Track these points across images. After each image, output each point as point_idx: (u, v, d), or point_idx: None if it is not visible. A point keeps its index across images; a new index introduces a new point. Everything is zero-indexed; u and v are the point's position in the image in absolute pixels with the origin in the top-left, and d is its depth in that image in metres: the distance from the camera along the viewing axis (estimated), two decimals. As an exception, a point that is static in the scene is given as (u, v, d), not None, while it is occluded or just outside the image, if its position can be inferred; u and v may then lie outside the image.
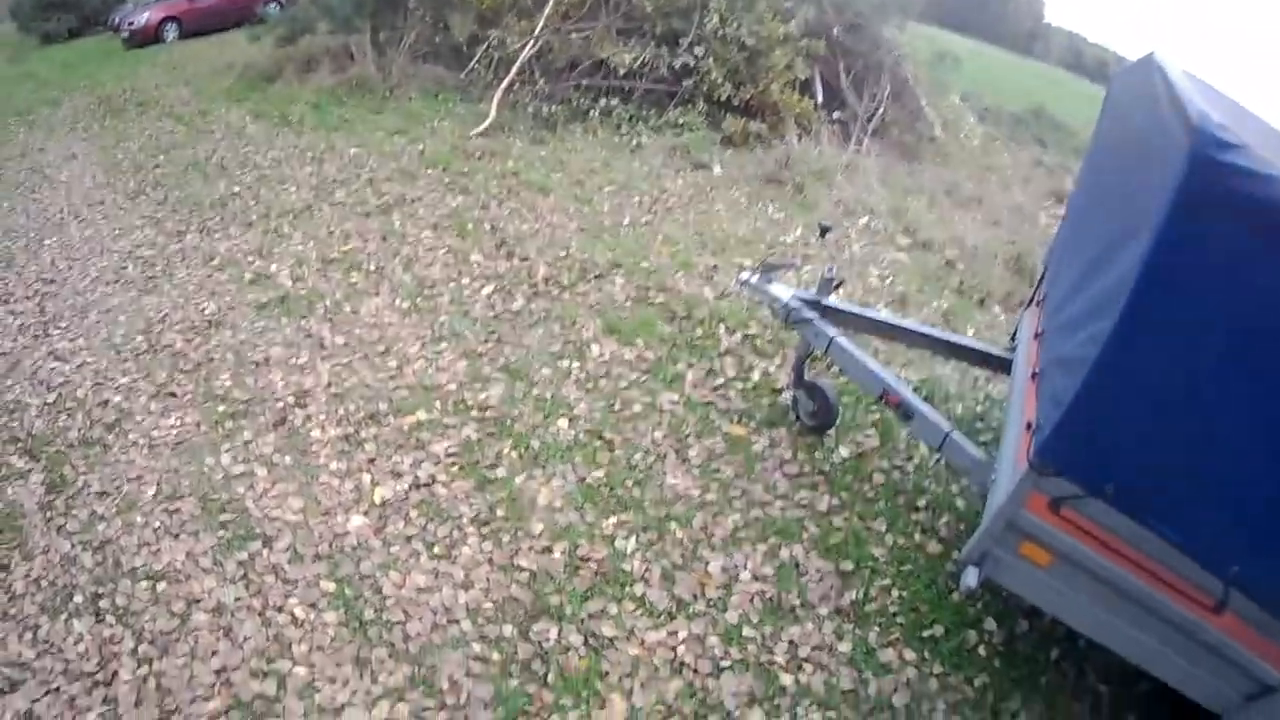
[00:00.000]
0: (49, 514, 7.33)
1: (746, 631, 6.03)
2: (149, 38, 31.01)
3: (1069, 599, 4.96)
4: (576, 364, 8.80)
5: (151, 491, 7.39)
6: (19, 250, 13.08)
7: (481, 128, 16.15)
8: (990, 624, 6.10)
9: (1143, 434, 4.29)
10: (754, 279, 7.90)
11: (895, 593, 6.37)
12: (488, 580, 6.36)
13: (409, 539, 6.73)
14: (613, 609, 6.14)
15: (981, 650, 5.96)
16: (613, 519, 6.88)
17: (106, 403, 8.72)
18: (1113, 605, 4.79)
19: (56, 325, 10.53)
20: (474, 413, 8.08)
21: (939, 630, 6.08)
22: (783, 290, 7.76)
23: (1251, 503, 4.15)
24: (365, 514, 6.97)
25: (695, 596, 6.25)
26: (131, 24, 31.57)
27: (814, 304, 7.65)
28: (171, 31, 31.55)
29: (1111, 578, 4.70)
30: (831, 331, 7.32)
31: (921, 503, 7.23)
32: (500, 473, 7.34)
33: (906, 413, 6.67)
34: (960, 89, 23.09)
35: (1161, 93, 4.94)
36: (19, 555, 6.92)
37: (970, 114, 22.02)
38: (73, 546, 6.94)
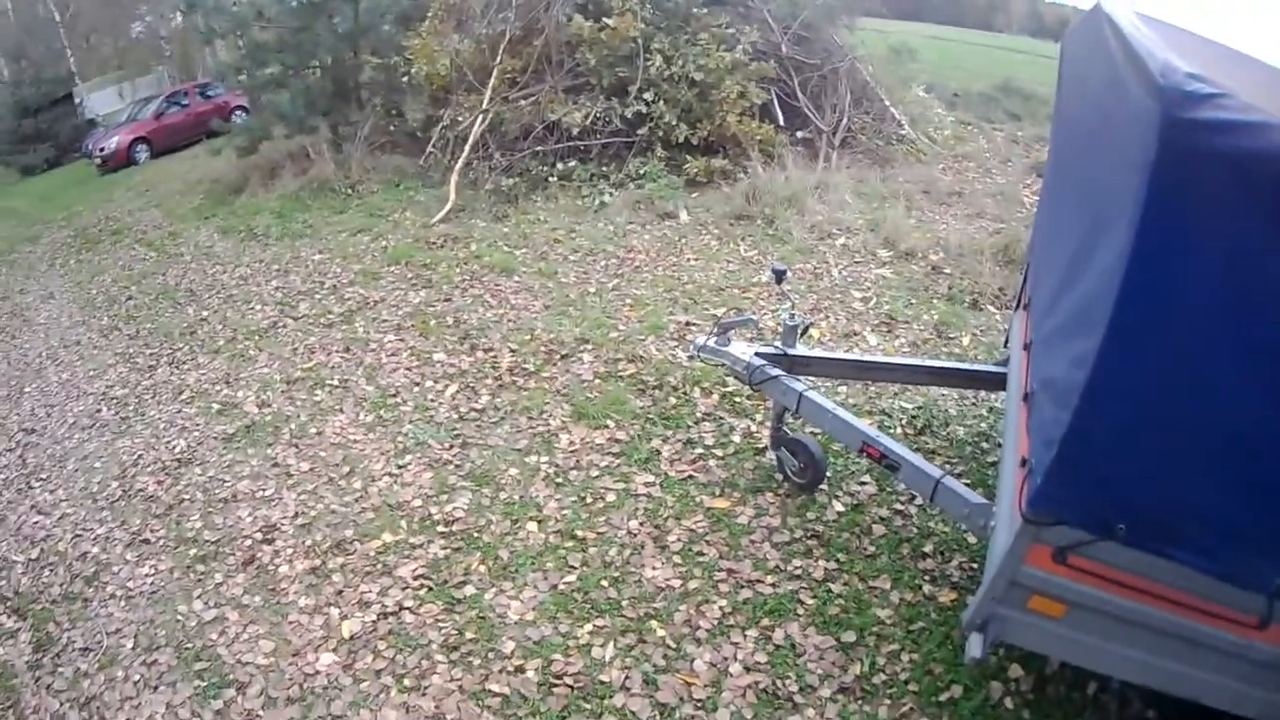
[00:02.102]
0: (37, 673, 7.19)
1: (740, 732, 5.63)
2: (121, 161, 31.32)
3: (1093, 647, 4.48)
4: (545, 458, 8.47)
5: (130, 644, 7.20)
6: (0, 400, 12.96)
7: (441, 214, 15.89)
8: (1015, 670, 5.67)
9: (1152, 461, 3.76)
10: (711, 342, 7.55)
11: (905, 657, 5.97)
12: (459, 710, 6.00)
13: (378, 673, 6.39)
14: (592, 727, 5.78)
15: (1009, 703, 5.54)
16: (588, 626, 6.50)
17: (85, 555, 8.54)
18: (1143, 644, 4.32)
19: (38, 477, 10.37)
20: (440, 528, 7.75)
21: (957, 691, 5.67)
22: (742, 349, 7.41)
23: None
24: (334, 650, 6.65)
25: (681, 700, 5.85)
26: (103, 149, 31.97)
27: (779, 357, 7.28)
28: (143, 153, 31.80)
29: (1137, 617, 4.22)
30: (799, 386, 6.96)
31: (928, 548, 6.87)
32: (469, 590, 7.00)
33: (891, 464, 6.26)
34: (924, 80, 22.84)
35: (1115, 48, 4.42)
36: (12, 716, 6.81)
37: (938, 104, 21.64)
38: (61, 705, 6.81)
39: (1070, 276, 4.51)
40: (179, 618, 7.34)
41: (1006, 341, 7.49)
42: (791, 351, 7.37)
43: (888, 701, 5.68)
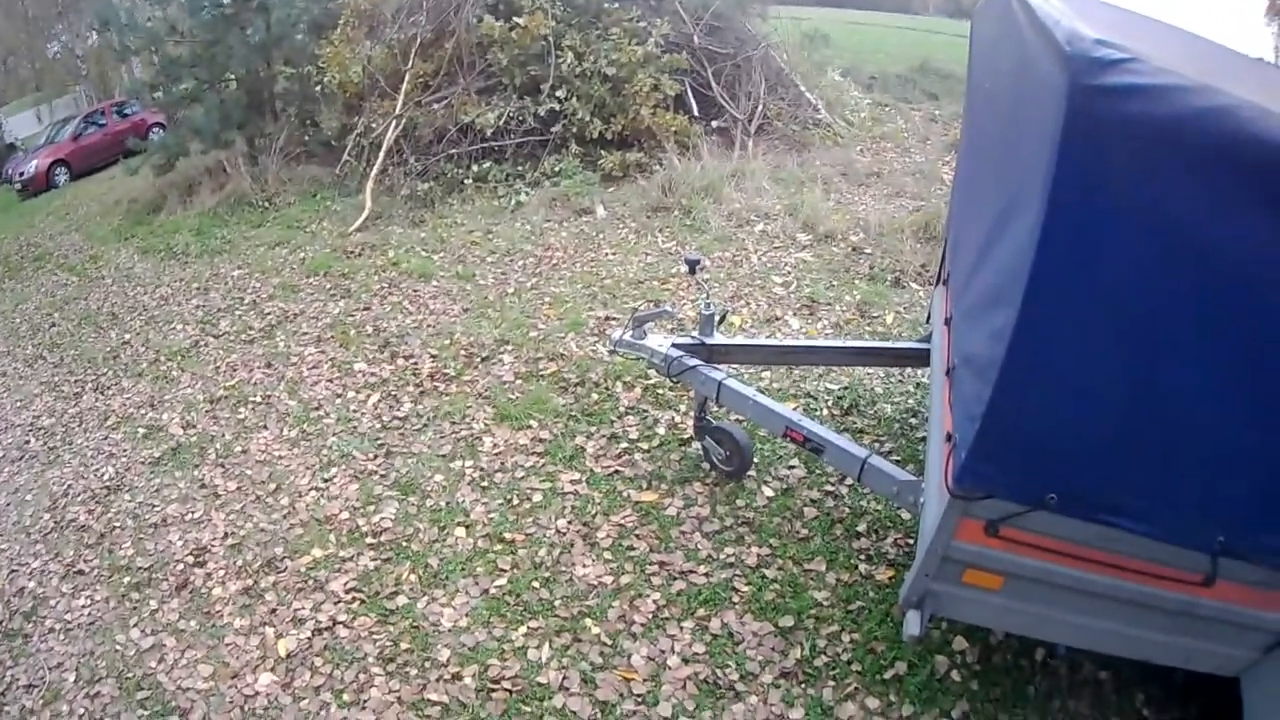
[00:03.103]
0: (-19, 713, 7.13)
1: (683, 724, 5.65)
2: (41, 185, 30.79)
3: (1035, 616, 4.50)
4: (469, 463, 8.44)
5: (72, 678, 7.19)
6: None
7: (358, 223, 15.79)
8: (960, 643, 5.72)
9: (1078, 429, 3.80)
10: (627, 336, 7.56)
11: (846, 638, 6.00)
12: (399, 721, 6.00)
13: (317, 690, 6.38)
14: (533, 729, 5.77)
15: (955, 675, 5.58)
16: (522, 629, 6.50)
17: (23, 590, 8.50)
18: (1086, 609, 4.34)
19: (-30, 514, 10.24)
20: (369, 540, 7.73)
21: (902, 667, 5.71)
22: (660, 341, 7.42)
23: (1224, 463, 3.69)
24: (273, 670, 6.65)
25: (621, 696, 5.86)
26: (23, 174, 31.52)
27: (697, 347, 7.30)
28: (62, 175, 31.32)
29: (1078, 584, 4.23)
30: (718, 375, 6.97)
31: (862, 527, 6.89)
32: (401, 601, 6.99)
33: (815, 447, 6.29)
34: (841, 65, 22.79)
35: (1023, 19, 4.43)
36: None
37: (854, 87, 21.65)
38: (9, 746, 6.78)
39: (986, 250, 4.54)
40: (118, 647, 7.32)
41: (929, 318, 7.52)
42: (709, 341, 7.39)
43: (831, 683, 5.71)
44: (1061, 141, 3.34)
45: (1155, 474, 3.79)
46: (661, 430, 8.38)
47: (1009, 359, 3.71)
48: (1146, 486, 3.81)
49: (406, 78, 17.58)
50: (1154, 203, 3.37)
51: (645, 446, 8.20)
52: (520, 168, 16.64)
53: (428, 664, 6.37)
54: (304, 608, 7.15)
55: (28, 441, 11.62)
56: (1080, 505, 3.94)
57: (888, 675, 5.69)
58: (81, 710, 6.83)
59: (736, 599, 6.45)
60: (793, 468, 7.63)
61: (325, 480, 8.70)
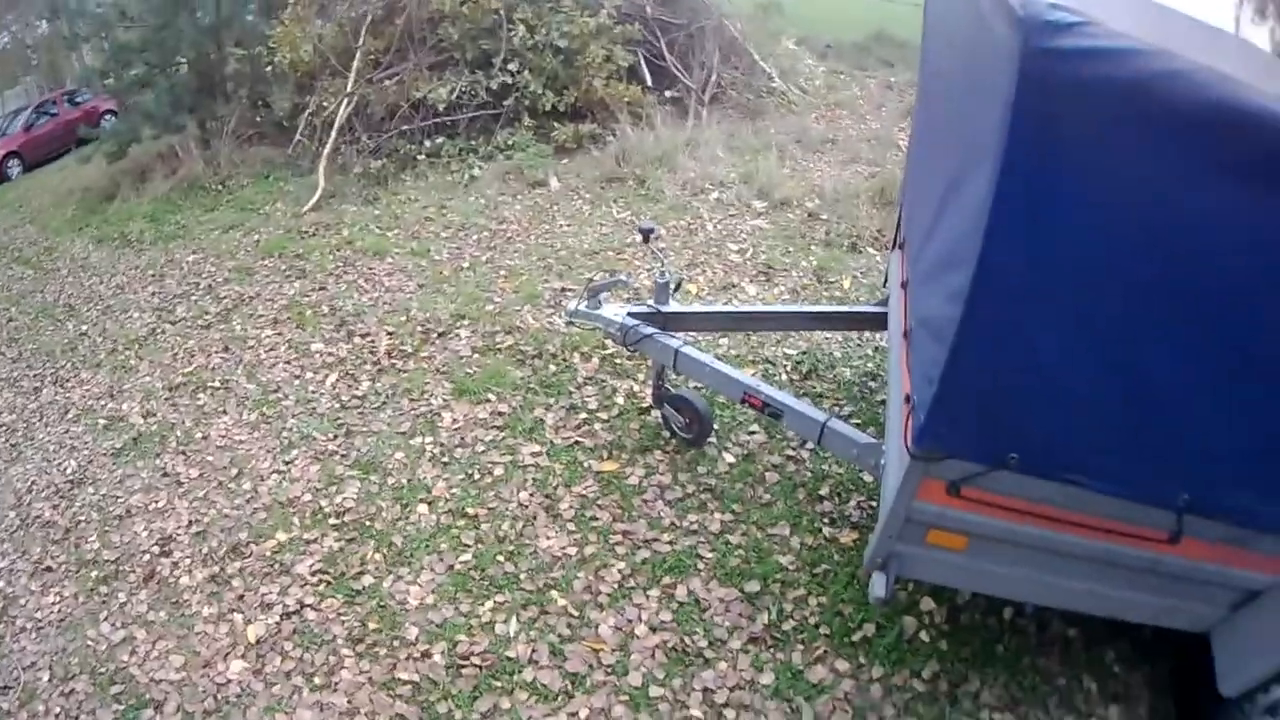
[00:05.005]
0: (-41, 720, 7.11)
1: (653, 691, 5.70)
2: (-5, 179, 30.30)
3: (1001, 575, 4.55)
4: (429, 439, 8.43)
5: (46, 676, 7.11)
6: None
7: (311, 202, 15.68)
8: (927, 603, 5.78)
9: (1037, 389, 3.82)
10: (582, 306, 7.54)
11: (813, 601, 6.06)
12: (371, 702, 6.00)
13: (288, 674, 6.37)
14: (504, 703, 5.79)
15: (924, 636, 5.65)
16: (489, 603, 6.51)
17: (-7, 591, 8.38)
18: (1052, 568, 4.39)
19: (-62, 515, 10.13)
20: (332, 520, 7.70)
21: (870, 629, 5.77)
22: (614, 311, 7.40)
23: (1187, 419, 3.73)
24: (243, 657, 6.62)
25: (591, 667, 5.91)
26: (-26, 168, 30.93)
27: (653, 315, 7.29)
28: (15, 168, 31.02)
29: (1043, 543, 4.27)
30: (674, 342, 6.98)
31: (825, 490, 6.96)
32: (367, 580, 6.98)
33: (774, 412, 6.32)
34: (795, 33, 22.69)
35: None
36: (-57, 769, 6.72)
37: (809, 56, 21.69)
38: (-13, 749, 6.75)
39: (941, 213, 4.54)
40: (89, 643, 7.27)
41: (886, 281, 7.54)
42: (665, 308, 7.38)
43: (800, 647, 5.77)
44: (1014, 103, 3.34)
45: (1117, 432, 3.82)
46: (620, 400, 8.39)
47: (965, 319, 3.72)
48: (1109, 444, 3.84)
49: (358, 55, 17.46)
50: (1106, 164, 3.39)
51: (604, 416, 8.21)
52: (473, 142, 16.57)
53: (396, 643, 6.37)
54: (271, 592, 7.13)
55: (-11, 439, 11.46)
56: (1042, 464, 3.97)
57: (856, 637, 5.75)
58: (58, 709, 6.78)
59: (701, 566, 6.49)
60: (753, 433, 7.67)
61: (286, 463, 8.66)
